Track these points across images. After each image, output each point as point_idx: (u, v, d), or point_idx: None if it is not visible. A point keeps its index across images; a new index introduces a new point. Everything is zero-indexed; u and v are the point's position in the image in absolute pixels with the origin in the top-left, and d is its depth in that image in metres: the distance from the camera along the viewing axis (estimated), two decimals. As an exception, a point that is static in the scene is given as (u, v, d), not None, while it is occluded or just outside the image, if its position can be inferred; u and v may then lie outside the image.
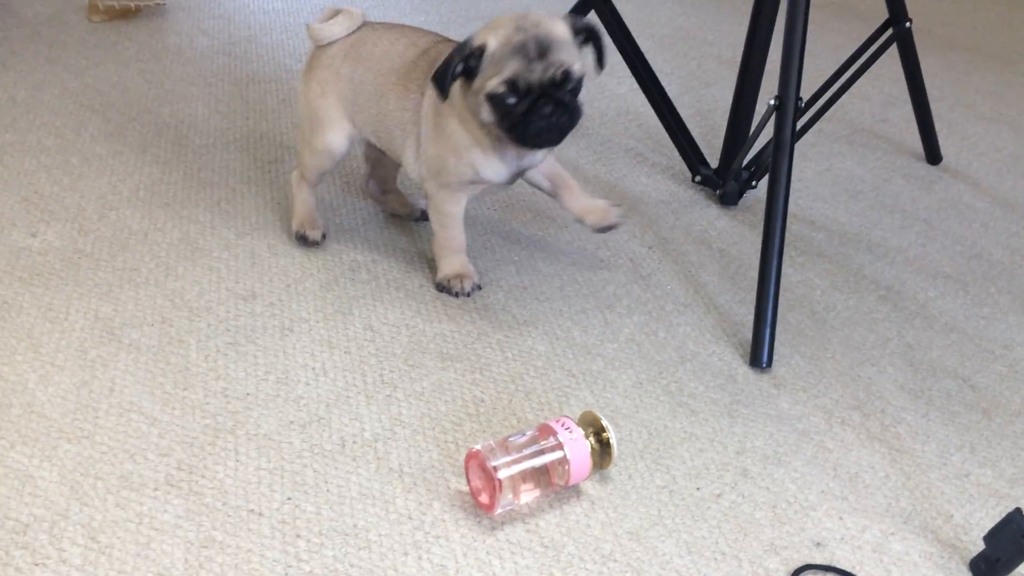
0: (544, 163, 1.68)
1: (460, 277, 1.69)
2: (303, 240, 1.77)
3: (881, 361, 1.62)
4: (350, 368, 1.51)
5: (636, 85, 2.25)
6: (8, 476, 1.26)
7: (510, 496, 1.26)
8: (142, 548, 1.18)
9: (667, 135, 2.18)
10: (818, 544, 1.26)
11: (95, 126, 2.17)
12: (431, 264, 1.75)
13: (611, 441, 1.32)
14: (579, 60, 1.48)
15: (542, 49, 1.45)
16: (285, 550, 1.19)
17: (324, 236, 1.79)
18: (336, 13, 1.73)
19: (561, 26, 1.49)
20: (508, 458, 1.27)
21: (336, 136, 1.71)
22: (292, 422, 1.40)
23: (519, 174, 1.65)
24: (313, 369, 1.50)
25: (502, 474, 1.25)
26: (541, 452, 1.28)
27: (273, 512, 1.24)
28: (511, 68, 1.44)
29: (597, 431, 1.33)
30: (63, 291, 1.63)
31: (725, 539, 1.26)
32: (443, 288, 1.69)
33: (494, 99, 1.47)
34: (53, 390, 1.41)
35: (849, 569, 1.22)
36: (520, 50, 1.44)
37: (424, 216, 1.86)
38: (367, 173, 1.89)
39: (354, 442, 1.37)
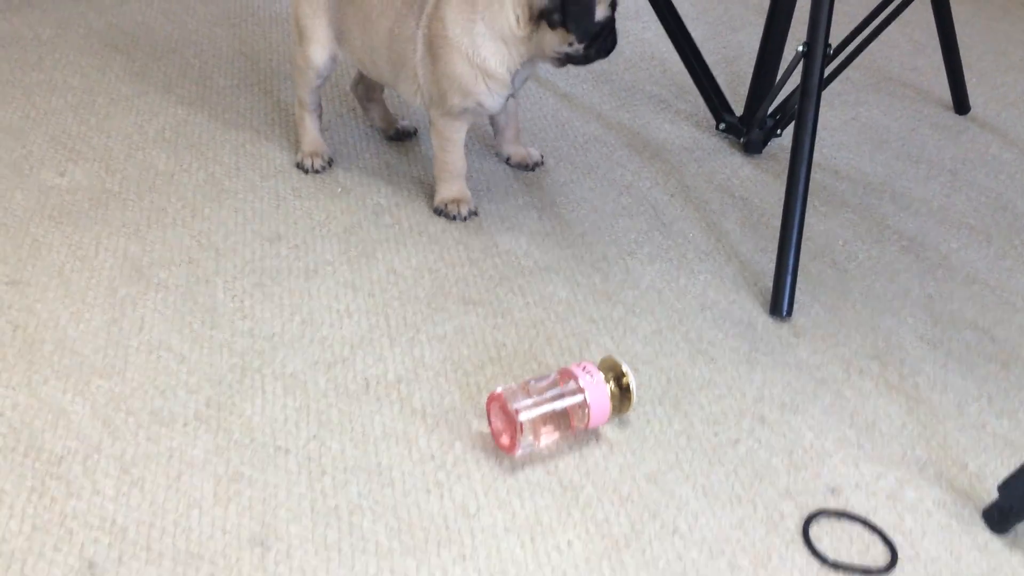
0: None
1: (457, 201, 1.75)
2: (302, 168, 1.84)
3: (901, 311, 1.63)
4: (374, 310, 1.53)
5: (661, 30, 2.23)
6: (42, 410, 1.30)
7: (531, 438, 1.28)
8: (173, 481, 1.21)
9: (692, 81, 2.16)
10: (833, 490, 1.28)
11: (120, 66, 2.17)
12: (429, 190, 1.78)
13: (631, 386, 1.34)
14: None
15: None
16: (311, 486, 1.22)
17: (330, 161, 1.86)
18: None
19: None
20: (529, 400, 1.29)
21: (319, 51, 1.76)
22: (317, 362, 1.42)
23: (505, 101, 1.75)
24: (337, 311, 1.52)
25: (523, 416, 1.27)
26: (562, 395, 1.31)
27: (299, 449, 1.27)
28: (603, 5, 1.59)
29: (617, 376, 1.35)
30: (92, 230, 1.65)
31: (741, 484, 1.28)
32: (440, 212, 1.75)
33: (588, 31, 1.58)
34: (84, 327, 1.44)
35: (863, 515, 1.24)
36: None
37: (398, 135, 1.96)
38: (356, 76, 1.94)
39: (378, 383, 1.39)
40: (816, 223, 1.84)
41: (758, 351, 1.52)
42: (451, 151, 1.73)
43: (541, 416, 1.29)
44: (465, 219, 1.75)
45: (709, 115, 2.15)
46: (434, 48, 1.62)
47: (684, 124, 2.16)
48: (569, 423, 1.31)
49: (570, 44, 1.59)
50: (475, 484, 1.25)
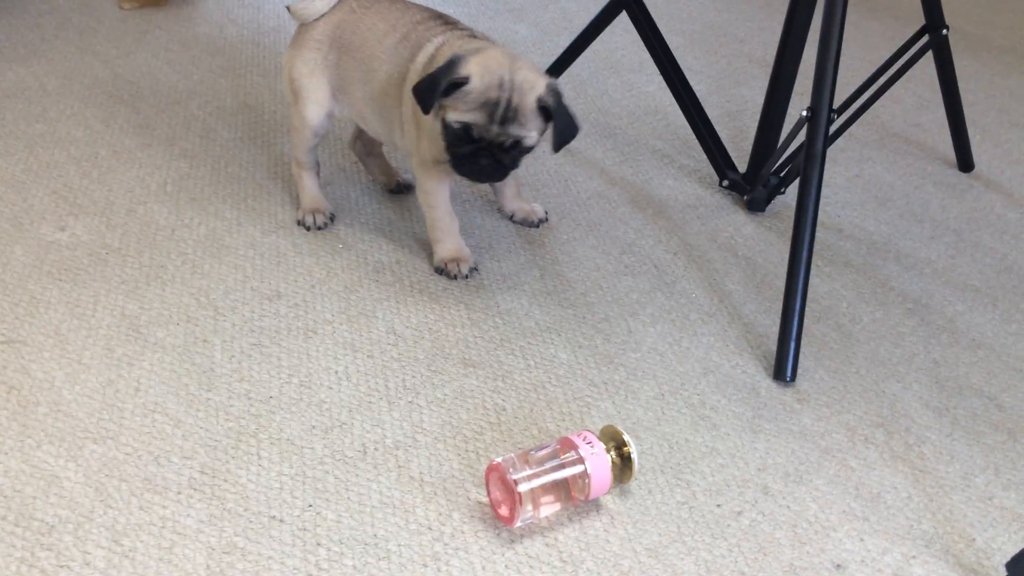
0: None
1: (456, 260, 1.73)
2: (303, 226, 1.83)
3: (907, 377, 1.61)
4: (373, 373, 1.51)
5: (664, 84, 2.23)
6: (35, 476, 1.28)
7: (530, 509, 1.26)
8: (165, 552, 1.19)
9: (695, 137, 2.16)
10: (838, 566, 1.25)
11: (124, 117, 2.18)
12: (430, 248, 1.78)
13: (632, 456, 1.32)
14: (538, 133, 1.59)
15: (507, 117, 1.54)
16: (306, 558, 1.20)
17: (332, 217, 1.85)
18: None
19: (533, 97, 1.55)
20: (529, 471, 1.27)
21: (315, 110, 1.77)
22: (314, 427, 1.40)
23: None
24: (336, 373, 1.51)
25: (523, 487, 1.25)
26: (562, 466, 1.29)
27: (294, 519, 1.25)
28: (474, 117, 1.54)
29: (618, 445, 1.33)
30: (90, 287, 1.64)
31: (744, 559, 1.26)
32: (441, 271, 1.73)
33: (447, 127, 1.57)
34: (80, 389, 1.42)
35: (869, 594, 1.22)
36: (490, 107, 1.53)
37: (400, 188, 1.97)
38: (355, 133, 1.95)
39: (375, 449, 1.37)
40: (820, 284, 1.83)
41: (761, 417, 1.50)
42: (436, 206, 1.72)
43: (541, 487, 1.27)
44: (467, 277, 1.73)
45: (712, 171, 2.15)
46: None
47: (687, 180, 2.16)
48: (569, 494, 1.29)
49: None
50: (473, 557, 1.23)
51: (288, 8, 1.77)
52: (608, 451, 1.31)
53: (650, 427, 1.46)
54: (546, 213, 1.94)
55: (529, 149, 1.60)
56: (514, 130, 1.55)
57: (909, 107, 2.57)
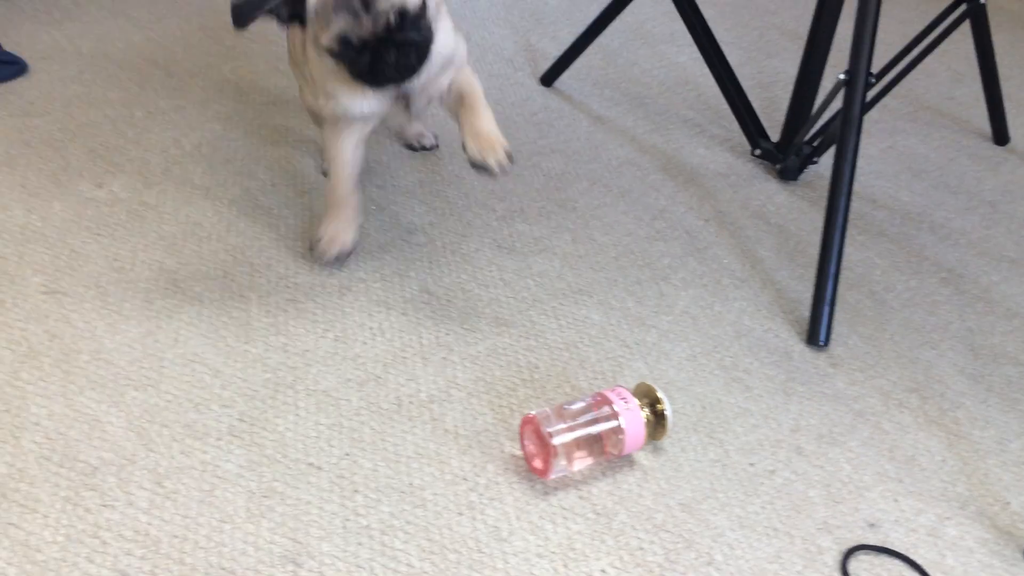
0: (445, 78, 1.49)
1: (331, 240, 1.56)
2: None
3: (941, 344, 1.60)
4: (407, 329, 1.52)
5: (695, 54, 2.22)
6: (78, 420, 1.30)
7: (564, 462, 1.27)
8: (206, 495, 1.21)
9: (726, 106, 2.15)
10: (872, 525, 1.26)
11: (158, 80, 2.19)
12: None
13: (666, 413, 1.32)
14: (421, 20, 1.33)
15: (366, 1, 1.30)
16: (343, 504, 1.22)
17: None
18: None
19: None
20: (563, 425, 1.28)
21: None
22: (350, 380, 1.42)
23: (404, 100, 1.50)
24: (371, 328, 1.52)
25: (557, 440, 1.26)
26: (596, 420, 1.29)
27: (332, 466, 1.27)
28: (338, 25, 1.31)
29: (652, 402, 1.33)
30: (129, 242, 1.66)
31: (778, 515, 1.26)
32: (313, 248, 1.56)
33: (333, 54, 1.35)
34: (120, 338, 1.44)
35: (903, 551, 1.22)
36: (343, 5, 1.30)
37: (422, 146, 1.86)
38: None
39: (410, 402, 1.39)
40: (853, 252, 1.82)
41: (794, 380, 1.50)
42: (333, 168, 1.54)
43: (575, 440, 1.28)
44: (332, 263, 1.53)
45: (744, 140, 2.14)
46: (307, 38, 1.43)
47: (719, 149, 2.15)
48: (603, 448, 1.30)
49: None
50: (507, 507, 1.24)
51: None
52: (642, 407, 1.32)
53: (683, 387, 1.46)
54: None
55: (422, 14, 1.34)
56: (383, 3, 1.30)
57: (943, 80, 2.55)
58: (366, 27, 1.30)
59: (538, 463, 1.28)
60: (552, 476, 1.27)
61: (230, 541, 1.15)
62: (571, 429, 1.28)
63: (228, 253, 1.65)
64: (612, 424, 1.29)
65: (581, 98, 2.32)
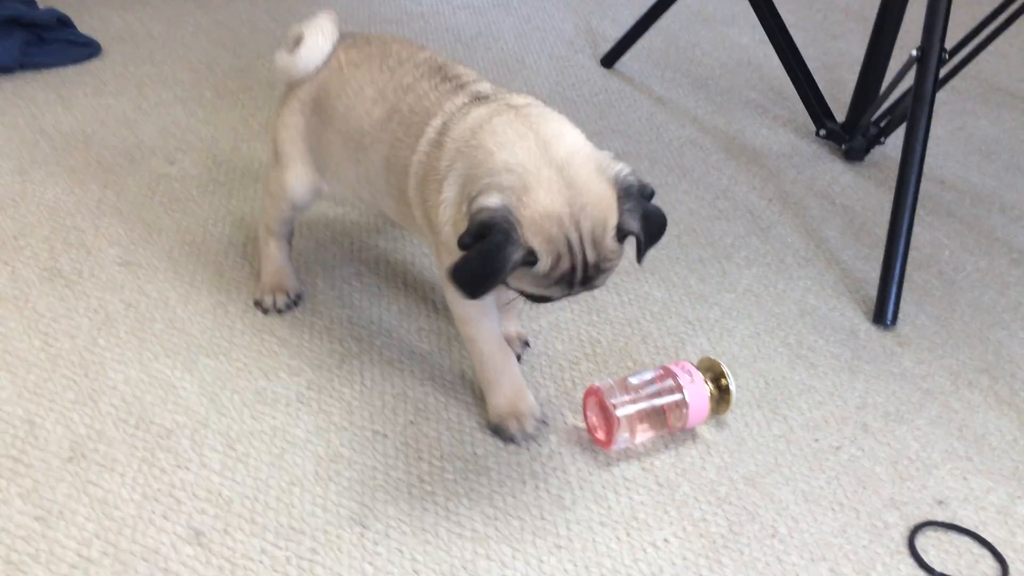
0: None
1: (516, 416, 1.28)
2: (260, 307, 1.48)
3: (1012, 325, 1.57)
4: (470, 303, 1.54)
5: (758, 36, 2.20)
6: (152, 385, 1.34)
7: (626, 434, 1.27)
8: (276, 459, 1.24)
9: (790, 87, 2.13)
10: (940, 502, 1.24)
11: (226, 61, 2.24)
12: None
13: (730, 387, 1.32)
14: (621, 256, 1.14)
15: (588, 276, 1.11)
16: (408, 470, 1.24)
17: (298, 299, 1.49)
18: (300, 36, 1.39)
19: (611, 236, 1.09)
20: (627, 397, 1.28)
21: (297, 183, 1.42)
22: (414, 352, 1.44)
23: None
24: (434, 303, 1.54)
25: (620, 412, 1.26)
26: (659, 394, 1.29)
27: (397, 434, 1.29)
28: (551, 292, 1.13)
29: (716, 377, 1.33)
30: (199, 216, 1.70)
31: (843, 491, 1.25)
32: (494, 429, 1.29)
33: (529, 296, 1.16)
34: (192, 308, 1.48)
35: (972, 529, 1.20)
36: (567, 279, 1.11)
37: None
38: None
39: (473, 375, 1.40)
40: (921, 232, 1.79)
41: (860, 359, 1.48)
42: (480, 338, 1.28)
43: (638, 413, 1.28)
44: (530, 438, 1.28)
45: (807, 121, 2.12)
46: (426, 180, 1.21)
47: (782, 130, 2.13)
48: (666, 421, 1.30)
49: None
50: (570, 477, 1.25)
51: (275, 62, 1.43)
52: (706, 382, 1.31)
53: (746, 364, 1.46)
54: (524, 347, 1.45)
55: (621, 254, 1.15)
56: (599, 280, 1.14)
57: (1015, 62, 2.49)
58: (575, 289, 1.13)
59: (601, 435, 1.29)
60: (615, 448, 1.28)
61: (299, 503, 1.18)
62: (634, 401, 1.28)
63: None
64: (676, 397, 1.29)
65: (642, 79, 2.31)
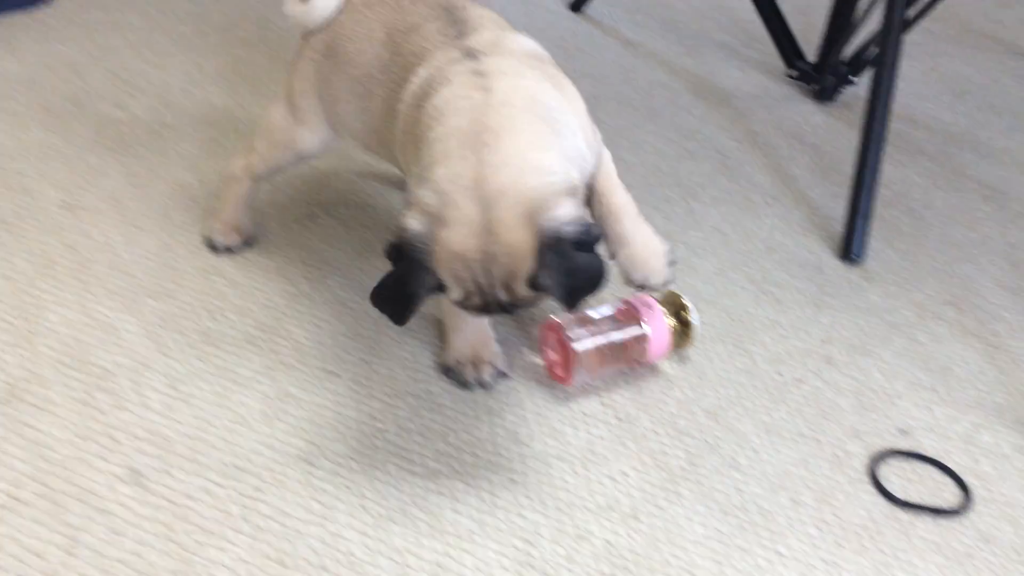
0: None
1: (474, 361, 1.24)
2: (212, 247, 1.44)
3: (980, 259, 1.54)
4: (427, 243, 1.49)
5: (731, -25, 2.15)
6: (93, 326, 1.29)
7: (585, 370, 1.24)
8: (220, 398, 1.19)
9: (760, 29, 2.08)
10: (903, 432, 1.21)
11: (180, 6, 2.16)
12: None
13: (692, 321, 1.28)
14: (544, 298, 1.05)
15: (505, 310, 1.06)
16: (359, 408, 1.20)
17: (251, 241, 1.45)
18: None
19: (521, 283, 1.01)
20: (586, 332, 1.24)
21: (311, 135, 1.37)
22: (368, 290, 1.39)
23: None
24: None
25: (578, 347, 1.23)
26: (620, 328, 1.26)
27: (348, 373, 1.25)
28: (468, 301, 1.06)
29: (678, 310, 1.29)
30: (148, 160, 1.64)
31: (805, 422, 1.22)
32: (447, 371, 1.25)
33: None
34: (137, 250, 1.43)
35: (936, 457, 1.17)
36: (481, 311, 1.07)
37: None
38: None
39: (429, 312, 1.36)
40: (891, 170, 1.75)
41: (826, 294, 1.45)
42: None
43: (597, 348, 1.24)
44: (486, 386, 1.23)
45: (778, 63, 2.07)
46: (407, 134, 1.15)
47: (752, 71, 2.09)
48: (627, 356, 1.26)
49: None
50: (527, 413, 1.21)
51: (285, 11, 1.38)
52: (668, 316, 1.28)
53: (711, 300, 1.42)
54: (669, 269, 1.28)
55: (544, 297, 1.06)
56: (521, 311, 1.10)
57: (989, 3, 2.45)
58: (489, 301, 1.06)
59: (559, 371, 1.25)
60: (574, 383, 1.24)
61: (244, 442, 1.14)
62: (593, 336, 1.24)
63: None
64: (636, 332, 1.26)
65: (611, 23, 2.25)
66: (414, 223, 1.01)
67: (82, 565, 0.99)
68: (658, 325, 1.26)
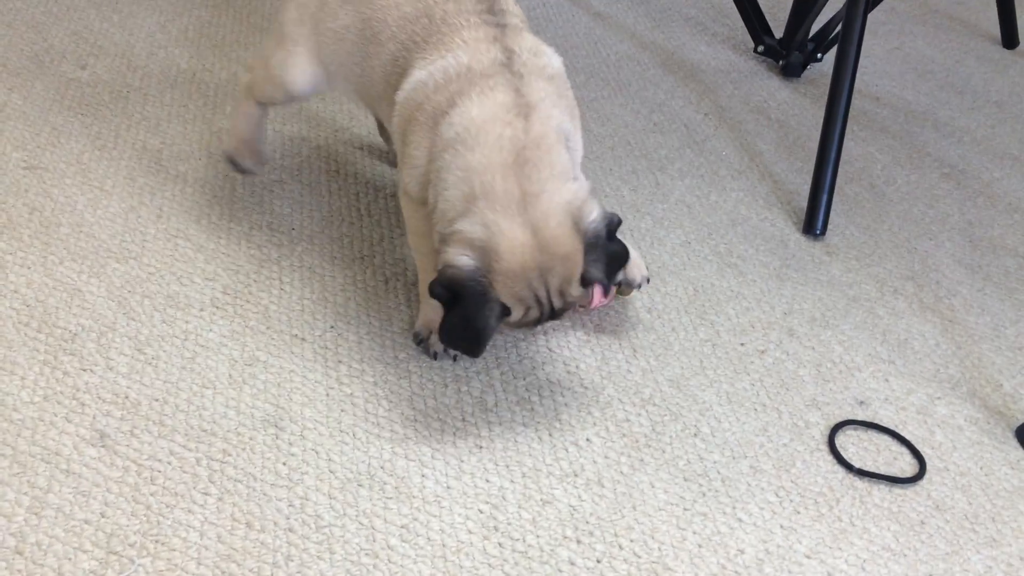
0: None
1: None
2: (234, 165, 1.43)
3: (939, 236, 1.58)
4: (395, 211, 1.49)
5: (701, -51, 2.15)
6: (56, 289, 1.27)
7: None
8: (187, 362, 1.19)
9: (730, 4, 2.09)
10: (861, 403, 1.24)
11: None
12: None
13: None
14: (587, 294, 1.16)
15: (555, 316, 1.13)
16: (327, 373, 1.20)
17: (264, 165, 1.45)
18: None
19: (575, 285, 1.10)
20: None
21: (299, 70, 1.30)
22: (336, 258, 1.39)
23: None
24: (358, 210, 1.49)
25: None
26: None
27: (316, 338, 1.25)
28: (523, 332, 1.22)
29: None
30: (112, 122, 1.62)
31: (767, 392, 1.25)
32: (418, 339, 1.25)
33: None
34: (101, 213, 1.41)
35: (892, 427, 1.20)
36: (534, 322, 1.13)
37: None
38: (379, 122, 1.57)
39: (398, 280, 1.36)
40: (854, 147, 1.78)
41: (789, 267, 1.47)
42: (428, 249, 1.21)
43: None
44: (454, 359, 1.24)
45: (746, 38, 2.08)
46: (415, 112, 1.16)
47: (720, 46, 2.10)
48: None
49: None
50: (494, 380, 1.22)
51: None
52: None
53: (675, 271, 1.44)
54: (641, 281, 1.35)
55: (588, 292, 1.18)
56: (566, 315, 1.19)
57: (954, -15, 2.48)
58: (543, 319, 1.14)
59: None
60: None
61: (211, 405, 1.14)
62: None
63: (213, 135, 1.61)
64: None
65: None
66: (465, 259, 1.06)
67: (48, 526, 0.98)
68: None
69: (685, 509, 1.09)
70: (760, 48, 2.04)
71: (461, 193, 1.09)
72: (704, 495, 1.10)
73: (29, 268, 1.30)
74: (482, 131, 1.09)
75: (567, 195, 1.09)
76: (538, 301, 1.09)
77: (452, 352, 1.24)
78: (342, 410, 1.15)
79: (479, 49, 1.14)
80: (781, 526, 1.08)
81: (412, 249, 1.28)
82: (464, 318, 1.07)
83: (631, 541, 1.04)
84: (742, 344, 1.32)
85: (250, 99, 1.41)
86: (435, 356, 1.24)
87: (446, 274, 1.06)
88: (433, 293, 1.07)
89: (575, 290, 1.10)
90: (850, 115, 1.73)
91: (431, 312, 1.24)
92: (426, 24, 1.17)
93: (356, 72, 1.26)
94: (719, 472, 1.13)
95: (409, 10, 1.19)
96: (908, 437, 1.19)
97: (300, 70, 1.30)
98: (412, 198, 1.20)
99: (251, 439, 1.10)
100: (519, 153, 1.08)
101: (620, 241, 1.14)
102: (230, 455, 1.08)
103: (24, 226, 1.37)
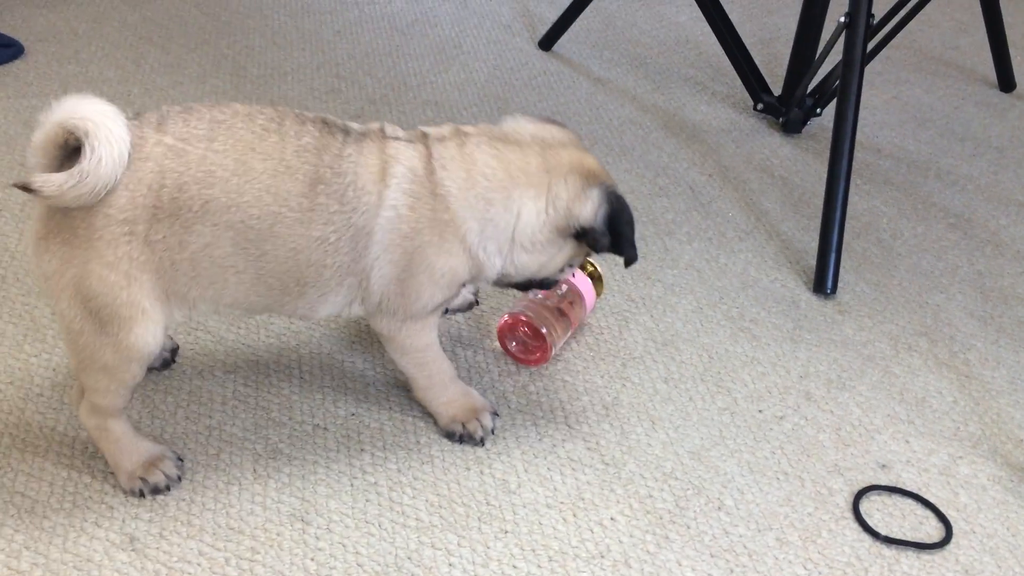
0: None
1: (474, 413, 1.26)
2: (143, 488, 1.15)
3: (950, 288, 1.58)
4: (410, 291, 1.51)
5: (694, 13, 2.20)
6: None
7: (557, 339, 1.37)
8: (212, 459, 1.20)
9: (727, 64, 2.13)
10: (883, 466, 1.25)
11: (155, 58, 2.18)
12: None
13: (598, 269, 1.45)
14: None
15: None
16: (350, 463, 1.21)
17: (181, 462, 1.18)
18: (68, 134, 1.00)
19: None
20: (547, 316, 1.38)
21: (146, 332, 1.09)
22: (353, 343, 1.41)
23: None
24: (373, 292, 1.51)
25: (546, 329, 1.36)
26: (562, 298, 1.41)
27: (337, 427, 1.26)
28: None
29: (583, 266, 1.44)
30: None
31: (788, 460, 1.25)
32: (457, 436, 1.26)
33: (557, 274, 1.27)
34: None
35: (915, 491, 1.20)
36: None
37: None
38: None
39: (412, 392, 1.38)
40: (859, 201, 1.80)
41: (802, 328, 1.48)
42: (432, 360, 1.25)
43: (557, 323, 1.37)
44: (493, 432, 1.26)
45: (746, 96, 2.12)
46: (418, 235, 1.13)
47: (721, 106, 2.13)
48: (571, 319, 1.40)
49: (570, 265, 1.25)
50: (515, 460, 1.23)
51: (33, 187, 1.01)
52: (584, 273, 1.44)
53: (689, 339, 1.45)
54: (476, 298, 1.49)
55: None
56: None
57: (947, 31, 2.51)
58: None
59: (536, 354, 1.38)
60: (552, 355, 1.37)
61: (237, 502, 1.15)
62: (553, 320, 1.38)
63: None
64: (570, 295, 1.41)
65: (580, 61, 2.29)
66: (588, 206, 1.20)
67: (81, 636, 0.99)
68: (582, 280, 1.42)
69: (713, 585, 1.09)
70: (760, 106, 2.07)
71: (505, 196, 1.17)
72: (732, 571, 1.10)
73: (54, 371, 1.32)
74: (476, 171, 1.16)
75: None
76: None
77: (488, 427, 1.26)
78: (367, 500, 1.16)
79: (402, 151, 1.14)
80: (811, 598, 1.08)
81: (415, 365, 1.25)
82: (631, 222, 1.22)
83: (661, 622, 1.04)
84: (760, 411, 1.33)
85: (108, 421, 1.15)
86: (480, 441, 1.25)
87: (599, 214, 1.20)
88: (600, 244, 1.20)
89: None
90: (853, 169, 1.75)
91: (449, 409, 1.27)
92: (327, 189, 1.10)
93: (238, 280, 1.12)
94: (745, 547, 1.13)
95: (294, 187, 1.09)
96: (932, 500, 1.19)
97: (150, 331, 1.09)
98: (426, 313, 1.19)
99: (278, 535, 1.11)
100: (468, 138, 1.20)
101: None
102: (258, 552, 1.09)
103: (47, 327, 1.40)
